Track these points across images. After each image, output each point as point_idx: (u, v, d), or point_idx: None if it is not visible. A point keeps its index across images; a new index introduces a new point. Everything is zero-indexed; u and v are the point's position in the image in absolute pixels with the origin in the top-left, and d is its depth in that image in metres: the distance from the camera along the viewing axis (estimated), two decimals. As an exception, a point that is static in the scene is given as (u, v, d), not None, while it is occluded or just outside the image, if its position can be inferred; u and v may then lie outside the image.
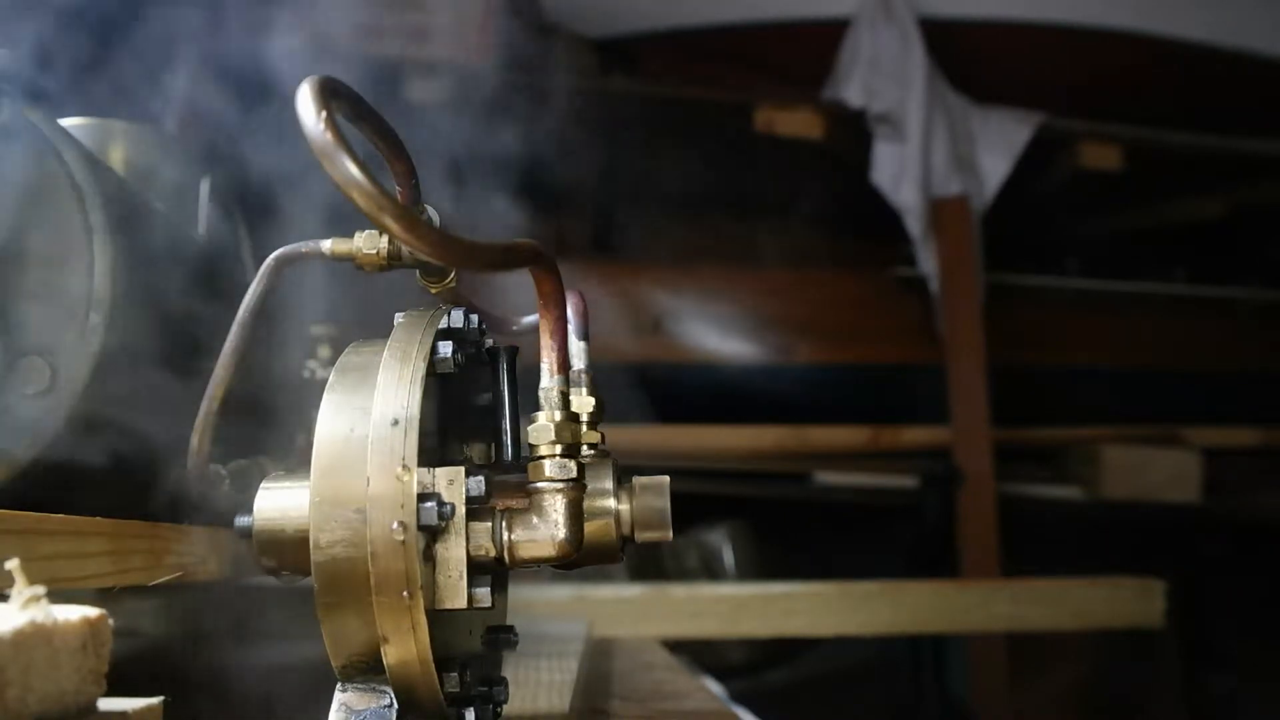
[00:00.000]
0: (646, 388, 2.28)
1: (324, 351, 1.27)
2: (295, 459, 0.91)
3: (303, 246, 0.77)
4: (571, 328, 0.78)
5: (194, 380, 0.80)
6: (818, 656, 2.69)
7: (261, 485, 0.68)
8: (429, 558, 0.63)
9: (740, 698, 1.58)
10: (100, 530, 0.74)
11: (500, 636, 0.77)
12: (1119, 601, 2.19)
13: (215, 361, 0.77)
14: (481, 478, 0.64)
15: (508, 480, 0.69)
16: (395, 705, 0.65)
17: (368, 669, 0.64)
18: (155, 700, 0.54)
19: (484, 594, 0.64)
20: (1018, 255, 2.97)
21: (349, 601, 0.62)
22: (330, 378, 0.67)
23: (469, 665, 0.66)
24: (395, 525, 0.60)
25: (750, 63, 2.88)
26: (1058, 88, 2.88)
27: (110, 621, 0.51)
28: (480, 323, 0.72)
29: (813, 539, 2.83)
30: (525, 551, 0.66)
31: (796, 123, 2.65)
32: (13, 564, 0.49)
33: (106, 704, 0.51)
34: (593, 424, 0.74)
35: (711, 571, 2.56)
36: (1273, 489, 2.95)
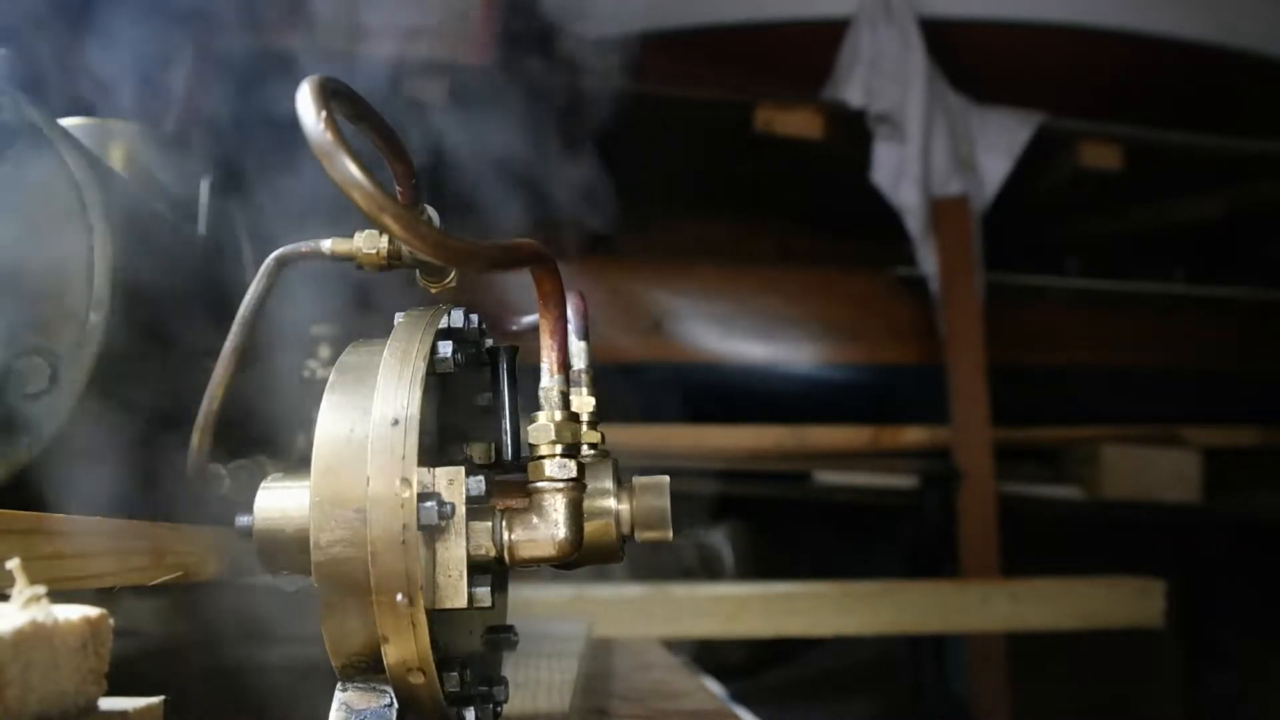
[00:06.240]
0: (646, 388, 2.28)
1: (324, 351, 1.27)
2: (295, 459, 0.91)
3: (303, 246, 0.77)
4: (571, 328, 0.78)
5: (194, 381, 0.80)
6: (818, 656, 2.69)
7: (261, 485, 0.68)
8: (429, 557, 0.63)
9: (740, 698, 1.58)
10: (100, 530, 0.74)
11: (500, 636, 0.77)
12: (1119, 601, 2.19)
13: (215, 361, 0.77)
14: (481, 477, 0.64)
15: (508, 480, 0.69)
16: (395, 705, 0.65)
17: (368, 669, 0.64)
18: (155, 700, 0.54)
19: (484, 594, 0.64)
20: (1018, 255, 2.97)
21: (349, 601, 0.62)
22: (330, 377, 0.67)
23: (469, 665, 0.66)
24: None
25: (750, 63, 2.88)
26: (1058, 88, 2.87)
27: (110, 621, 0.51)
28: (480, 323, 0.72)
29: (813, 539, 2.83)
30: (525, 551, 0.66)
31: (796, 123, 2.65)
32: (13, 564, 0.49)
33: (106, 704, 0.51)
34: (593, 424, 0.74)
35: (711, 571, 2.56)
36: (1273, 489, 2.95)
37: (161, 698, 0.54)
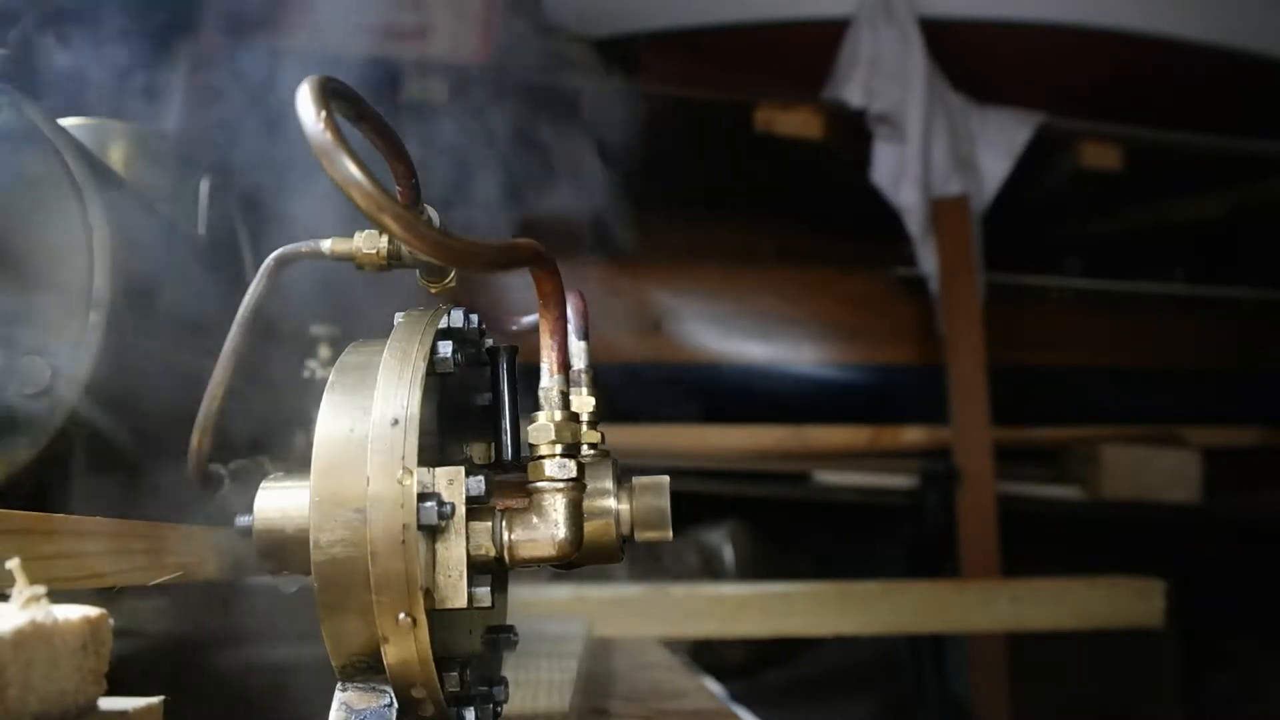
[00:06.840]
0: (646, 388, 2.28)
1: (324, 351, 1.27)
2: (295, 459, 0.91)
3: (302, 246, 0.77)
4: (571, 328, 0.78)
5: (194, 379, 0.80)
6: (818, 656, 2.69)
7: (261, 485, 0.68)
8: (429, 557, 0.63)
9: (740, 698, 1.58)
10: (100, 530, 0.74)
11: (500, 636, 0.77)
12: (1119, 601, 2.19)
13: (215, 361, 0.77)
14: (481, 477, 0.64)
15: (508, 480, 0.69)
16: (395, 705, 0.65)
17: (368, 669, 0.64)
18: (155, 700, 0.54)
19: (484, 594, 0.64)
20: (1018, 255, 2.97)
21: (349, 601, 0.62)
22: (330, 377, 0.67)
23: (469, 665, 0.66)
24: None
25: (750, 63, 2.88)
26: (1058, 88, 2.87)
27: (110, 621, 0.51)
28: (480, 323, 0.72)
29: (813, 539, 2.83)
30: (525, 551, 0.66)
31: (796, 123, 2.65)
32: (13, 564, 0.49)
33: (106, 704, 0.51)
34: (593, 423, 0.74)
35: (711, 571, 2.56)
36: (1273, 489, 2.95)
37: (161, 698, 0.54)
